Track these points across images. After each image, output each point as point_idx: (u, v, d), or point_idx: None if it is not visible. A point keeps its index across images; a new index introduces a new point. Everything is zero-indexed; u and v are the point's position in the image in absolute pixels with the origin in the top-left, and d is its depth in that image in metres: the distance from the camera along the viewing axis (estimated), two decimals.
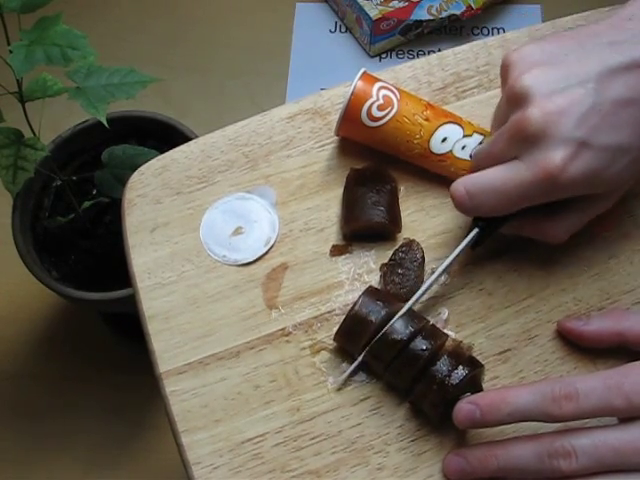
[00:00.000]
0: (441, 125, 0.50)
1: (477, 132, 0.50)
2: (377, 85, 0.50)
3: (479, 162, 0.47)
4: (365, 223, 0.48)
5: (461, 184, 0.45)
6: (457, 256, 0.47)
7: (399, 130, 0.50)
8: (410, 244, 0.49)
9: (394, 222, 0.49)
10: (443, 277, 0.48)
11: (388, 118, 0.50)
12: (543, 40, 0.45)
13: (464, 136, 0.50)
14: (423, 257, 0.48)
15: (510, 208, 0.45)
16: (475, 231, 0.47)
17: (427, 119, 0.50)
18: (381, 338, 0.43)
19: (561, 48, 0.44)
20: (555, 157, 0.41)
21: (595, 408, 0.39)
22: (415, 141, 0.50)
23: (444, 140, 0.50)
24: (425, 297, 0.47)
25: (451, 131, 0.50)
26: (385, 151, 0.51)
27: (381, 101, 0.49)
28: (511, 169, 0.44)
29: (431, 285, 0.46)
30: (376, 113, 0.49)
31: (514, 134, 0.43)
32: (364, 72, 0.51)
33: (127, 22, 1.37)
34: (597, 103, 0.42)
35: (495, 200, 0.44)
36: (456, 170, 0.50)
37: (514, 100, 0.44)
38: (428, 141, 0.50)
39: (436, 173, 0.51)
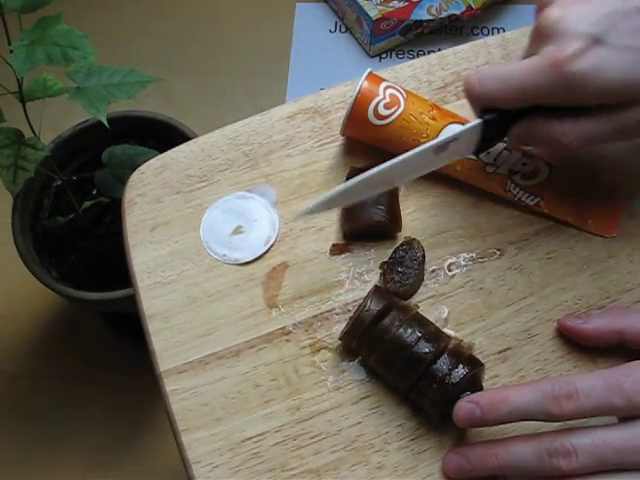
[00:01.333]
0: (448, 124, 0.50)
1: None
2: (383, 84, 0.50)
3: None
4: (365, 222, 0.48)
5: (475, 72, 0.45)
6: (455, 139, 0.45)
7: (406, 129, 0.50)
8: (411, 242, 0.49)
9: (394, 221, 0.49)
10: (442, 276, 0.48)
11: (395, 117, 0.49)
12: None
13: None
14: (424, 256, 0.48)
15: (518, 100, 0.44)
16: (478, 121, 0.45)
17: (434, 118, 0.50)
18: (388, 344, 0.43)
19: None
20: (566, 49, 0.41)
21: (595, 407, 0.39)
22: (422, 140, 0.50)
23: None
24: (425, 295, 0.48)
25: (458, 131, 0.50)
26: (391, 150, 0.51)
27: (388, 99, 0.49)
28: (525, 61, 0.44)
29: (418, 154, 0.45)
30: (383, 112, 0.49)
31: (534, 31, 0.44)
32: (370, 72, 0.50)
33: (127, 22, 1.37)
34: (620, 8, 0.42)
35: (503, 88, 0.44)
36: (462, 169, 0.50)
37: (540, 7, 0.45)
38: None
39: (440, 173, 0.51)
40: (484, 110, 0.46)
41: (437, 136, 0.49)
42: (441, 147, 0.45)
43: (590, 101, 0.43)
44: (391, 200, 0.49)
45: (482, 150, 0.48)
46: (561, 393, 0.39)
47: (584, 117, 0.44)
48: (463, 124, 0.50)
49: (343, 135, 0.52)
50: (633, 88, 0.42)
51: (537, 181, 0.50)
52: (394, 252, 0.48)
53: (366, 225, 0.49)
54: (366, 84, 0.49)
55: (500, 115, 0.45)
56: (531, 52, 0.45)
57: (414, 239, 0.49)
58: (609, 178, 0.51)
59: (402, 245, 0.49)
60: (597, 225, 0.50)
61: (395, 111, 0.49)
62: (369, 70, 0.51)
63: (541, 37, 0.44)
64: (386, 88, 0.50)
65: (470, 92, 0.45)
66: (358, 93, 0.49)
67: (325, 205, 0.44)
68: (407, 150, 0.50)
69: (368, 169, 0.51)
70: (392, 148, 0.51)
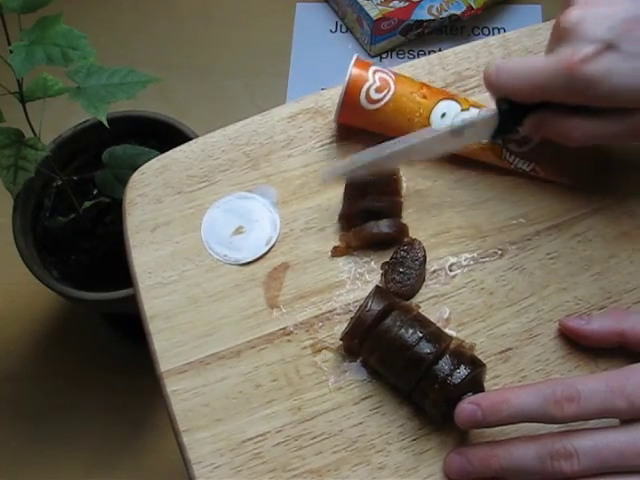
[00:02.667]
0: (439, 101, 0.51)
1: (474, 106, 0.51)
2: (372, 69, 0.51)
3: None
4: (373, 235, 0.48)
5: (495, 63, 0.47)
6: (470, 125, 0.47)
7: (399, 110, 0.50)
8: (412, 243, 0.48)
9: (402, 232, 0.49)
10: (443, 276, 0.48)
11: (387, 99, 0.50)
12: None
13: (462, 110, 0.50)
14: (425, 256, 0.48)
15: (531, 95, 0.46)
16: (493, 109, 0.47)
17: (424, 96, 0.51)
18: (390, 344, 0.43)
19: None
20: (579, 52, 0.42)
21: (597, 410, 0.39)
22: (415, 119, 0.50)
23: (443, 115, 0.50)
24: (426, 295, 0.48)
25: (449, 106, 0.51)
26: (386, 133, 0.51)
27: (378, 83, 0.50)
28: (541, 59, 0.46)
29: (435, 136, 0.48)
30: (374, 95, 0.50)
31: (554, 30, 0.45)
32: (357, 58, 0.51)
33: (127, 22, 1.37)
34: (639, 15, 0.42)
35: (518, 82, 0.45)
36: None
37: (563, 4, 0.45)
38: (428, 118, 0.50)
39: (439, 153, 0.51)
40: (501, 99, 0.47)
41: (430, 114, 0.50)
42: (457, 132, 0.47)
43: (600, 103, 0.44)
44: (396, 210, 0.50)
45: (499, 136, 0.49)
46: (563, 396, 0.39)
47: (595, 116, 0.45)
48: (454, 99, 0.51)
49: (337, 122, 0.53)
50: (637, 95, 0.43)
51: (530, 147, 0.51)
52: (395, 252, 0.48)
53: (374, 237, 0.49)
54: (355, 70, 0.50)
55: (515, 105, 0.47)
56: (549, 50, 0.46)
57: (415, 239, 0.49)
58: None
59: (403, 245, 0.49)
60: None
61: (386, 94, 0.50)
62: (356, 56, 0.51)
63: (559, 37, 0.44)
64: (375, 72, 0.50)
65: (487, 81, 0.47)
66: (349, 80, 0.50)
67: (349, 170, 0.48)
68: (402, 132, 0.51)
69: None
70: (387, 131, 0.51)
